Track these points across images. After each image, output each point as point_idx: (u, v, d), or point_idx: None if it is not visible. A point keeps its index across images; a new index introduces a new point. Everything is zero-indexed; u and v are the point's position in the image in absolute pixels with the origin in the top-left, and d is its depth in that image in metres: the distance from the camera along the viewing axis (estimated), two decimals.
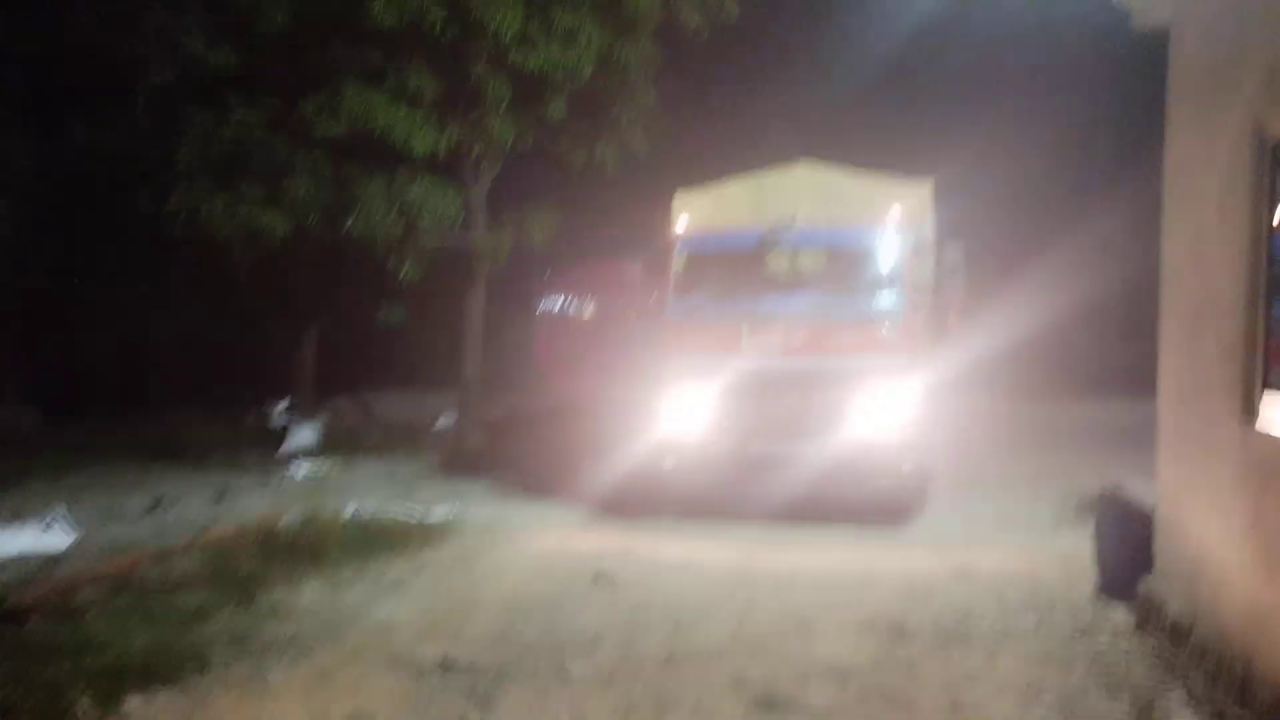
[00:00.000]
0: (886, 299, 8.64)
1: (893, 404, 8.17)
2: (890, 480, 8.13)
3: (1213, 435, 4.49)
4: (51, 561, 7.28)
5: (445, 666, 4.94)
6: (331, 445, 13.73)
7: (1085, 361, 19.06)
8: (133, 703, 4.41)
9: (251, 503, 9.67)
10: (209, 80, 12.17)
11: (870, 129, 17.20)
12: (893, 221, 8.82)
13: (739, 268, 9.17)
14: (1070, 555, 6.80)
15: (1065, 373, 18.63)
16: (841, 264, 9.15)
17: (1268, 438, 3.93)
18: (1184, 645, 4.67)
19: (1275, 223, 4.11)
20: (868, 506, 8.29)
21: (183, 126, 12.02)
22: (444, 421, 16.14)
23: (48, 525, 7.93)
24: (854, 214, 9.21)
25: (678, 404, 8.62)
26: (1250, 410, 4.12)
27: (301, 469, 11.57)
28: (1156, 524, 5.35)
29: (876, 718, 4.25)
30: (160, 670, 4.82)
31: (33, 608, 5.74)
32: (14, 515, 8.57)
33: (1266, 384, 4.04)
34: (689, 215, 9.57)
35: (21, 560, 7.29)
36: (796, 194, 9.45)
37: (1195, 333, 4.79)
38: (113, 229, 14.16)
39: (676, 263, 9.25)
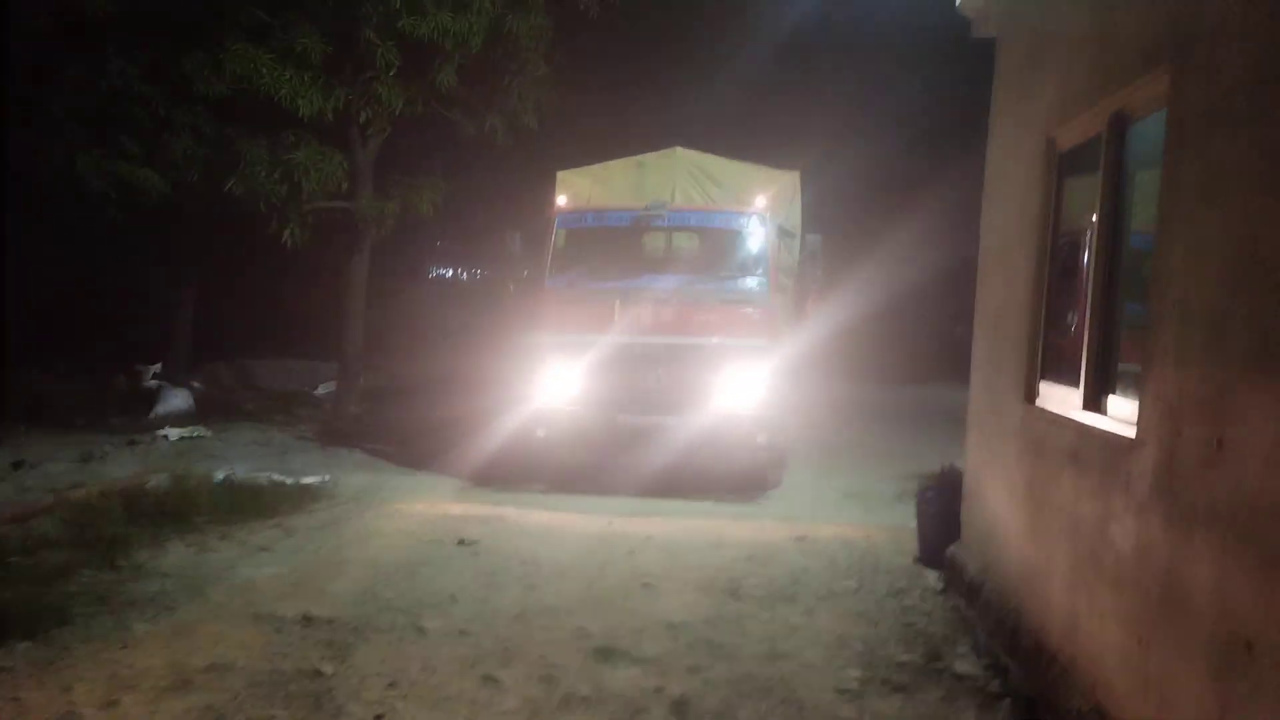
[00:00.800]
0: (751, 282, 9.06)
1: (752, 381, 8.65)
2: (747, 453, 8.67)
3: (1005, 413, 5.07)
4: None
5: (305, 621, 5.19)
6: (206, 411, 13.60)
7: (932, 345, 20.29)
8: None
9: (120, 466, 9.59)
10: (86, 27, 11.82)
11: (743, 118, 17.84)
12: (761, 208, 9.26)
13: (614, 246, 9.52)
14: (901, 528, 7.41)
15: (914, 356, 19.79)
16: (711, 246, 9.58)
17: (1042, 413, 4.50)
18: (976, 603, 5.27)
19: (1064, 227, 4.67)
20: (727, 478, 8.84)
21: (57, 74, 11.70)
22: (324, 389, 16.11)
23: None
24: (725, 199, 9.67)
25: (550, 375, 8.95)
26: (1031, 392, 4.70)
27: (173, 434, 11.46)
28: (963, 496, 5.97)
29: (700, 664, 4.69)
30: (20, 624, 4.92)
31: None
32: None
33: (1044, 373, 4.61)
34: (569, 193, 9.89)
35: None
36: (673, 177, 9.89)
37: (998, 323, 5.37)
38: None
39: (554, 238, 9.54)
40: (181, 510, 7.41)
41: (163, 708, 4.04)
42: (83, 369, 16.19)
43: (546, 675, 4.52)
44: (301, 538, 7.13)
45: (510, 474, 9.32)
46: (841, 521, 8.00)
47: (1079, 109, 4.22)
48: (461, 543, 6.94)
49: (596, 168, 10.25)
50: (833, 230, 12.36)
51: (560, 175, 10.27)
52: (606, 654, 4.81)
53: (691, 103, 17.30)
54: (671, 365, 8.76)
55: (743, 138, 14.21)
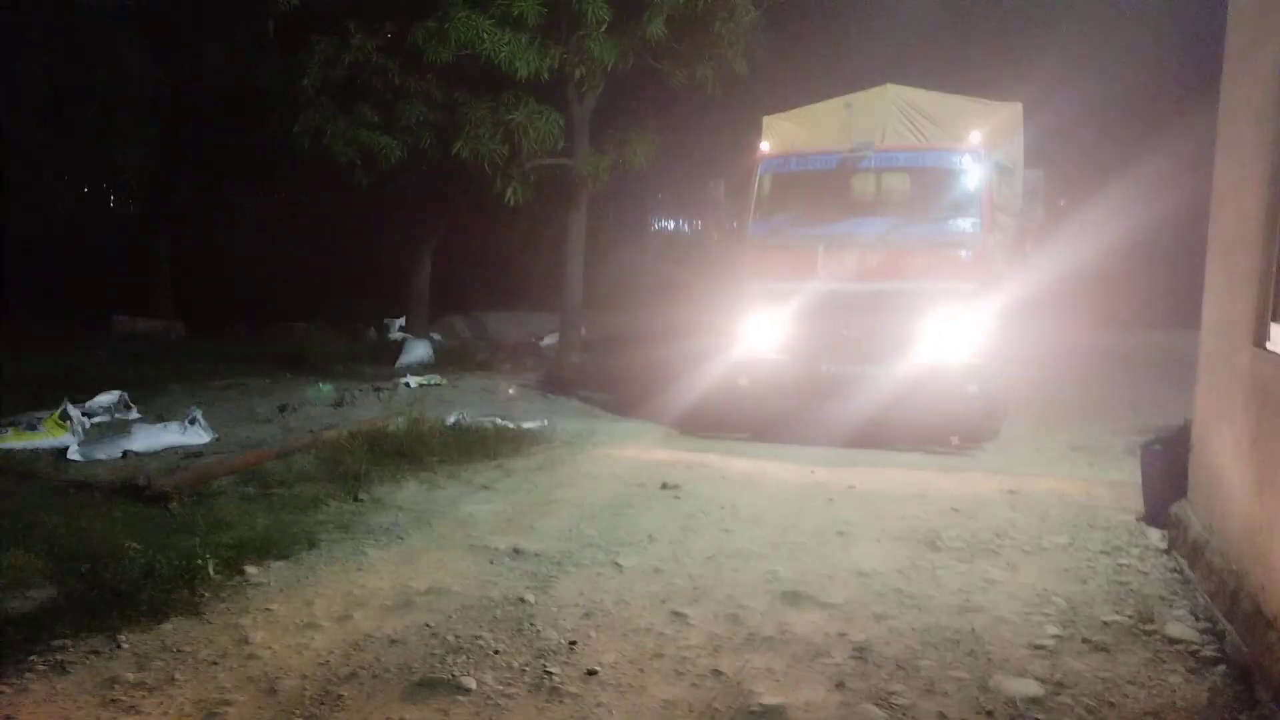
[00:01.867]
0: (963, 223, 8.64)
1: (963, 328, 8.29)
2: (958, 403, 8.27)
3: (1233, 360, 4.65)
4: (191, 455, 8.29)
5: (515, 554, 5.59)
6: (443, 360, 14.66)
7: (1165, 289, 18.47)
8: (251, 570, 5.20)
9: (367, 410, 10.57)
10: (331, 7, 12.85)
11: (960, 53, 16.81)
12: (975, 144, 8.81)
13: (819, 190, 9.28)
14: (1127, 484, 6.91)
15: (1151, 298, 18.07)
16: (922, 187, 9.18)
17: (1271, 357, 4.10)
18: (1198, 564, 4.91)
19: None
20: (937, 430, 8.49)
21: (307, 51, 12.79)
22: (548, 339, 16.91)
23: (189, 424, 8.95)
24: (939, 136, 9.28)
25: (753, 324, 8.95)
26: (1261, 335, 4.28)
27: (413, 381, 12.46)
28: (1190, 448, 5.53)
29: (887, 613, 4.66)
30: (275, 546, 5.63)
31: (174, 492, 6.65)
32: (161, 415, 9.68)
33: (1276, 315, 4.18)
34: (774, 138, 9.76)
35: (166, 453, 8.33)
36: (883, 116, 9.58)
37: (1228, 261, 4.90)
38: (246, 151, 15.18)
39: (757, 184, 9.42)
40: (416, 451, 8.09)
41: (387, 624, 4.51)
42: (339, 323, 17.89)
43: (733, 614, 4.65)
44: (519, 478, 7.62)
45: (714, 421, 9.44)
46: (1060, 476, 7.59)
47: None
48: (664, 486, 7.18)
49: (803, 111, 10.06)
50: (1059, 166, 11.63)
51: (766, 120, 10.15)
52: (793, 598, 4.88)
53: (908, 39, 16.56)
54: (878, 312, 8.50)
55: (961, 73, 13.47)
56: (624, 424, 9.96)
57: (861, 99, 9.82)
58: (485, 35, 11.74)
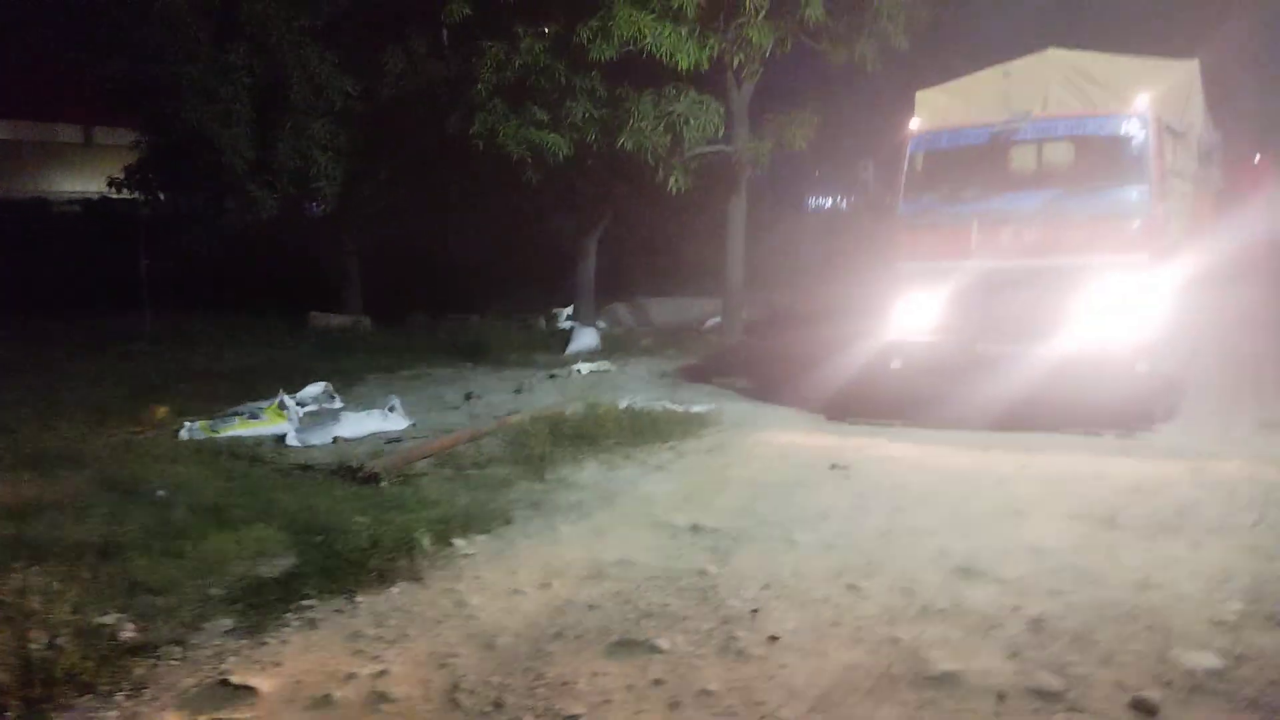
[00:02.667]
0: (1129, 192, 8.23)
1: (1129, 302, 7.95)
2: (1125, 383, 7.90)
3: None
4: (393, 440, 9.07)
5: (694, 530, 5.96)
6: (610, 347, 15.22)
7: None
8: (459, 542, 5.77)
9: (544, 396, 11.20)
10: (500, 13, 13.52)
11: (1137, 10, 15.97)
12: (1140, 108, 8.35)
13: (973, 165, 9.01)
14: None
15: None
16: (1084, 156, 8.77)
17: None
18: None
19: None
20: (1107, 410, 8.12)
21: (479, 56, 13.51)
22: (711, 324, 17.23)
23: (388, 411, 9.77)
24: (1106, 100, 8.79)
25: (904, 305, 8.83)
26: None
27: (585, 367, 13.04)
28: None
29: (1063, 588, 4.74)
30: (477, 522, 6.19)
31: (383, 474, 7.36)
32: (362, 403, 10.58)
33: None
34: (927, 112, 9.56)
35: (370, 438, 9.13)
36: (1045, 83, 9.18)
37: None
38: (426, 151, 16.14)
39: (907, 162, 9.23)
40: (593, 434, 8.57)
41: (583, 591, 4.95)
42: (512, 313, 18.80)
43: (907, 588, 4.85)
44: (691, 459, 7.99)
45: (872, 406, 9.34)
46: (1249, 454, 7.31)
47: None
48: (834, 467, 7.38)
49: (958, 83, 9.82)
50: (1245, 125, 11.04)
51: (920, 95, 9.97)
52: (966, 572, 5.03)
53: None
54: (1037, 289, 8.22)
55: (1139, 31, 12.88)
56: (787, 408, 10.11)
57: (1021, 66, 9.45)
58: (646, 30, 12.10)
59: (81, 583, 4.97)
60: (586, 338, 15.61)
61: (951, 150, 9.15)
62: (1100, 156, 8.59)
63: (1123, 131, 8.40)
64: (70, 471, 7.38)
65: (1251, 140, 15.57)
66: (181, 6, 15.09)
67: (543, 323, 18.31)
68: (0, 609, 4.54)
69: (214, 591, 5.03)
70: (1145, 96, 8.43)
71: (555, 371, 12.87)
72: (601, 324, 17.45)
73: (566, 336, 15.85)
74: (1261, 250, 11.55)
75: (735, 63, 13.31)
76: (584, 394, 10.49)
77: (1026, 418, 8.24)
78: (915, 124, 9.41)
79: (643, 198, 15.85)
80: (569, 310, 17.93)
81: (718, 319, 16.55)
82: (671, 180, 13.37)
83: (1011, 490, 6.58)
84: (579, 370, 12.91)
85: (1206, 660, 3.90)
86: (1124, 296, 7.96)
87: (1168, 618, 4.36)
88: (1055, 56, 9.19)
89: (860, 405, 9.41)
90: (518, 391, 11.62)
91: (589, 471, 7.65)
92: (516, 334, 16.97)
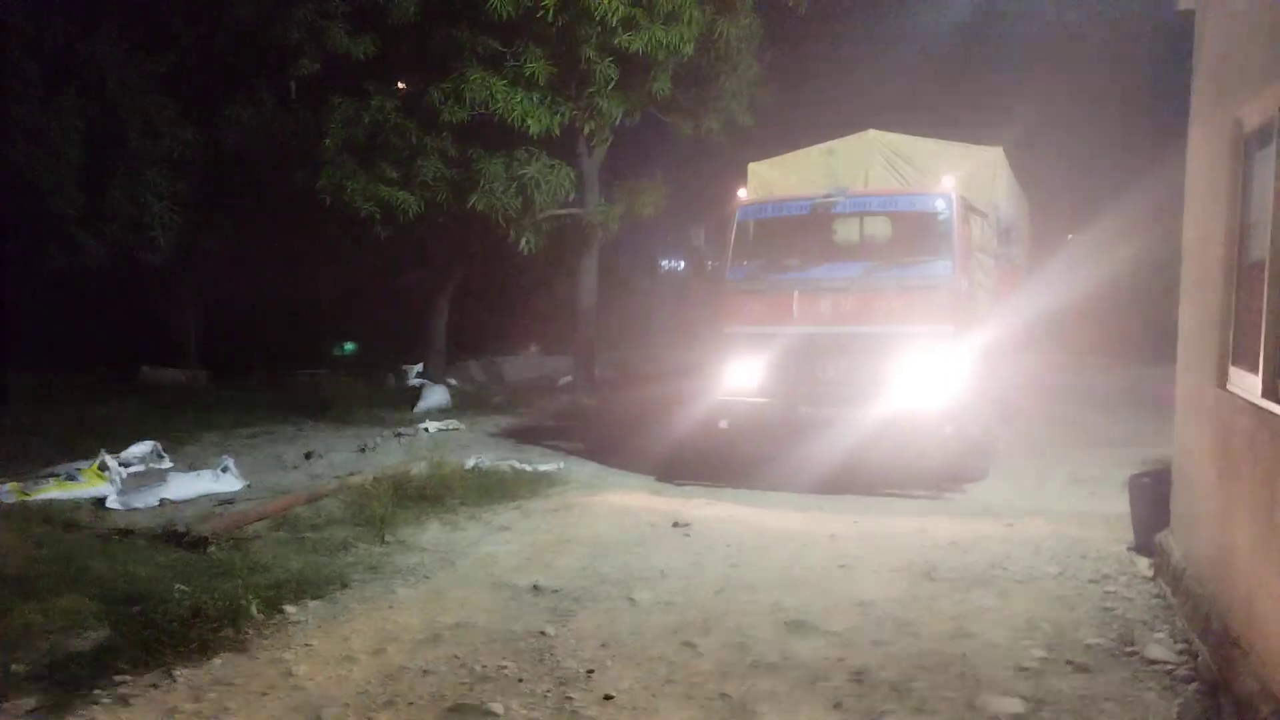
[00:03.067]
0: (936, 266, 8.65)
1: (937, 370, 8.34)
2: (934, 445, 8.34)
3: (1201, 399, 4.99)
4: (225, 502, 8.69)
5: (535, 590, 5.95)
6: (461, 404, 15.07)
7: (1154, 324, 18.78)
8: (290, 609, 5.57)
9: (389, 455, 10.97)
10: (350, 69, 13.44)
11: (948, 97, 17.39)
12: (947, 188, 8.89)
13: (795, 235, 9.43)
14: (1121, 515, 7.15)
15: (1138, 335, 18.37)
16: (896, 231, 9.28)
17: (1231, 398, 4.44)
18: (1179, 589, 5.22)
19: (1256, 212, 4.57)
20: (924, 471, 8.67)
21: (328, 111, 13.36)
22: (564, 382, 17.31)
23: (221, 471, 9.36)
24: (918, 181, 9.54)
25: (731, 367, 9.08)
26: (1222, 376, 4.63)
27: (433, 426, 12.85)
28: (1172, 481, 5.86)
29: (885, 639, 4.99)
30: (311, 587, 5.99)
31: (211, 538, 7.03)
32: (193, 463, 10.10)
33: (1235, 359, 4.54)
34: (758, 183, 10.11)
35: (201, 500, 8.73)
36: (866, 161, 9.88)
37: (1196, 307, 5.26)
38: (273, 203, 15.72)
39: (734, 230, 9.50)
40: (438, 494, 8.47)
41: (419, 656, 4.86)
42: (359, 370, 18.36)
43: (740, 643, 4.99)
44: (536, 519, 7.98)
45: (706, 468, 9.59)
46: (1052, 511, 7.87)
47: (1260, 87, 4.15)
48: (675, 525, 7.53)
49: (788, 157, 10.43)
50: (1053, 203, 12.27)
51: (751, 167, 10.53)
52: (797, 626, 5.21)
53: (900, 85, 17.13)
54: (852, 355, 8.61)
55: (948, 121, 13.96)
56: (633, 466, 10.26)
57: (844, 145, 10.12)
58: (498, 95, 12.28)
59: None
60: (436, 395, 15.41)
61: (775, 220, 9.48)
62: (909, 232, 9.10)
63: (929, 209, 8.89)
64: None
65: (1063, 218, 16.98)
66: (12, 46, 14.36)
67: (392, 379, 17.96)
68: None
69: (16, 668, 4.69)
70: (950, 178, 9.03)
71: (402, 430, 12.64)
72: (453, 381, 17.28)
73: (416, 394, 15.60)
74: (1062, 320, 12.65)
75: (586, 130, 13.63)
76: (431, 453, 10.27)
77: (848, 479, 8.68)
78: (743, 194, 9.77)
79: (495, 256, 15.90)
80: (419, 367, 17.67)
81: (570, 377, 16.65)
82: (523, 241, 13.50)
83: (840, 547, 6.87)
84: (426, 429, 12.72)
85: (1011, 706, 4.17)
86: (930, 364, 8.35)
87: (977, 665, 4.63)
88: (875, 137, 9.90)
89: (695, 466, 9.71)
90: (362, 450, 11.34)
91: (431, 533, 7.54)
92: (364, 391, 16.55)
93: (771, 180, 10.08)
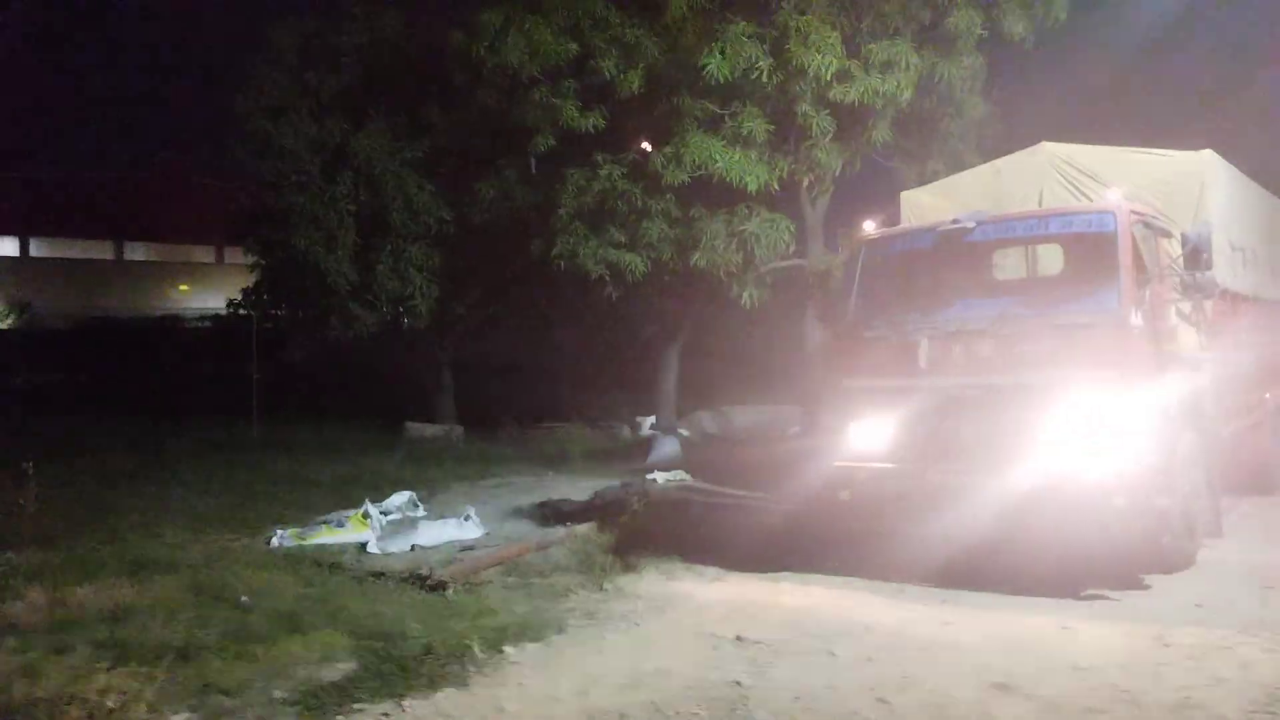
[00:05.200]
0: (1094, 299, 7.04)
1: (1101, 425, 6.59)
2: (1099, 522, 6.55)
3: None
4: (466, 548, 9.43)
5: (738, 641, 6.08)
6: (691, 455, 15.43)
7: None
8: (509, 650, 6.02)
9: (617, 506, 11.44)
10: (581, 142, 14.37)
11: (1192, 115, 15.95)
12: (1111, 204, 7.31)
13: (924, 272, 8.20)
14: None
15: None
16: (1046, 260, 8.24)
17: None
18: None
19: None
20: (1085, 554, 6.90)
21: (562, 183, 14.33)
22: (794, 432, 17.30)
23: (464, 519, 10.17)
24: (1098, 198, 8.01)
25: (851, 427, 7.68)
26: None
27: (660, 477, 13.26)
28: None
29: (1098, 705, 4.71)
30: (530, 630, 6.42)
31: (450, 581, 7.69)
32: (443, 512, 11.02)
33: None
34: (915, 213, 9.13)
35: (446, 546, 9.52)
36: (1039, 179, 8.61)
37: None
38: (515, 270, 17.01)
39: (859, 270, 8.27)
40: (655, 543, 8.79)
41: (618, 699, 5.13)
42: (597, 422, 19.27)
43: (939, 704, 4.88)
44: (749, 570, 8.09)
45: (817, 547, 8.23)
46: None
47: None
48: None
49: (949, 181, 9.56)
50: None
51: (905, 195, 9.53)
52: (1003, 688, 5.02)
53: (1136, 107, 16.01)
54: (990, 411, 6.99)
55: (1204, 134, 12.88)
56: None
57: (1013, 162, 8.98)
58: (717, 156, 12.67)
59: (159, 683, 5.39)
60: (667, 446, 15.88)
61: (902, 256, 8.35)
62: (1071, 260, 7.93)
63: (1089, 230, 7.28)
64: (166, 576, 7.93)
65: None
66: (300, 143, 16.55)
67: (626, 431, 18.69)
68: (82, 707, 4.98)
69: (278, 694, 5.38)
70: (1116, 191, 7.65)
71: (631, 481, 13.12)
72: (684, 432, 17.71)
73: (649, 445, 16.14)
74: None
75: (805, 182, 13.76)
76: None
77: (983, 567, 7.13)
78: (869, 226, 8.59)
79: (720, 310, 16.26)
80: (652, 419, 18.27)
81: (798, 427, 16.63)
82: (745, 295, 13.75)
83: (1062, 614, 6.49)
84: (655, 479, 13.13)
85: None
86: (1092, 418, 6.66)
87: None
88: (1048, 151, 8.64)
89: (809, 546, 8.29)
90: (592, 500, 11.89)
91: (648, 582, 7.83)
92: (601, 442, 17.37)
93: (929, 208, 8.91)
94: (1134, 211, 7.30)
